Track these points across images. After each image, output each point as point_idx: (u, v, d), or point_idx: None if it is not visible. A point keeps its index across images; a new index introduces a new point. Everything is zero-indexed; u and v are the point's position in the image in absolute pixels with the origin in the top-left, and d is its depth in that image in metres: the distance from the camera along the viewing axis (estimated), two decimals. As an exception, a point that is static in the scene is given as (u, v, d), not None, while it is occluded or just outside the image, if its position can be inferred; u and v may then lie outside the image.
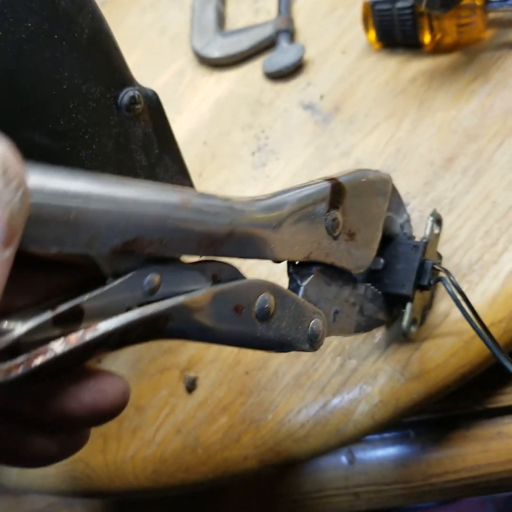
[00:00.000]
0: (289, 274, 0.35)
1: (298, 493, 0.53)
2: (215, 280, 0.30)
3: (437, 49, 0.57)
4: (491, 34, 0.55)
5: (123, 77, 0.38)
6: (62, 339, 0.24)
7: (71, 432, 0.28)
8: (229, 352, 0.51)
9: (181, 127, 0.63)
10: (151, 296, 0.27)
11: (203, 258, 0.29)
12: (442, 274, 0.41)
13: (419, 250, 0.42)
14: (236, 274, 0.31)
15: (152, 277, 0.27)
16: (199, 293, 0.28)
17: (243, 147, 0.60)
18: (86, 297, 0.25)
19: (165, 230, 0.26)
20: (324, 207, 0.34)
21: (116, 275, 0.26)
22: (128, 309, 0.26)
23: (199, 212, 0.27)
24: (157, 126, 0.41)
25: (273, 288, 0.32)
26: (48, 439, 0.27)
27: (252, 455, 0.47)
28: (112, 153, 0.40)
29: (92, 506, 0.60)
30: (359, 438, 0.46)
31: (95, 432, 0.53)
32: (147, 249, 0.26)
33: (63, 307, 0.24)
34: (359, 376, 0.45)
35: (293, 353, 0.48)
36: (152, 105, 0.40)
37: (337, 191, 0.35)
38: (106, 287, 0.25)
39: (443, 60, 0.56)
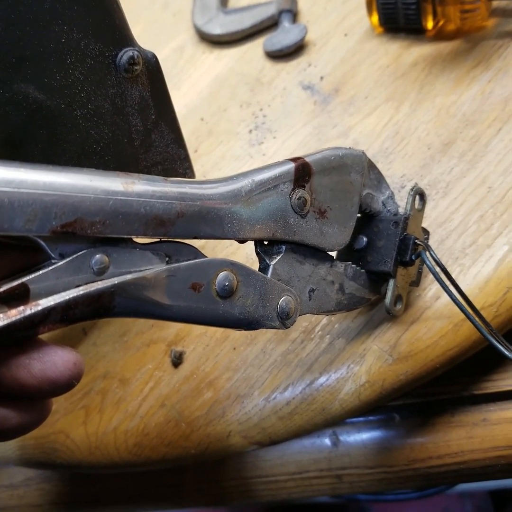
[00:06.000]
0: (257, 253, 0.36)
1: (280, 474, 0.53)
2: (171, 260, 0.31)
3: (439, 35, 0.56)
4: (493, 23, 0.55)
5: (123, 37, 0.37)
6: (2, 314, 0.26)
7: (29, 403, 0.30)
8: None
9: (179, 102, 0.62)
10: (100, 276, 0.28)
11: (159, 239, 0.30)
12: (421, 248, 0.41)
13: (399, 226, 0.41)
14: (195, 254, 0.32)
15: (100, 258, 0.28)
16: (150, 272, 0.29)
17: (241, 124, 0.59)
18: (31, 276, 0.27)
19: (106, 212, 0.27)
20: (288, 187, 0.35)
21: (64, 257, 0.27)
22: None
23: (142, 195, 0.29)
24: (155, 90, 0.41)
25: (234, 266, 0.33)
26: (6, 409, 0.29)
27: (236, 431, 0.47)
28: (107, 115, 0.39)
29: (69, 480, 0.60)
30: (344, 418, 0.46)
31: (78, 405, 0.52)
32: (90, 230, 0.27)
33: (7, 285, 0.26)
34: (347, 355, 0.45)
35: (281, 331, 0.48)
36: (151, 68, 0.40)
37: (302, 171, 0.35)
38: (50, 267, 0.27)
39: (445, 46, 0.55)
